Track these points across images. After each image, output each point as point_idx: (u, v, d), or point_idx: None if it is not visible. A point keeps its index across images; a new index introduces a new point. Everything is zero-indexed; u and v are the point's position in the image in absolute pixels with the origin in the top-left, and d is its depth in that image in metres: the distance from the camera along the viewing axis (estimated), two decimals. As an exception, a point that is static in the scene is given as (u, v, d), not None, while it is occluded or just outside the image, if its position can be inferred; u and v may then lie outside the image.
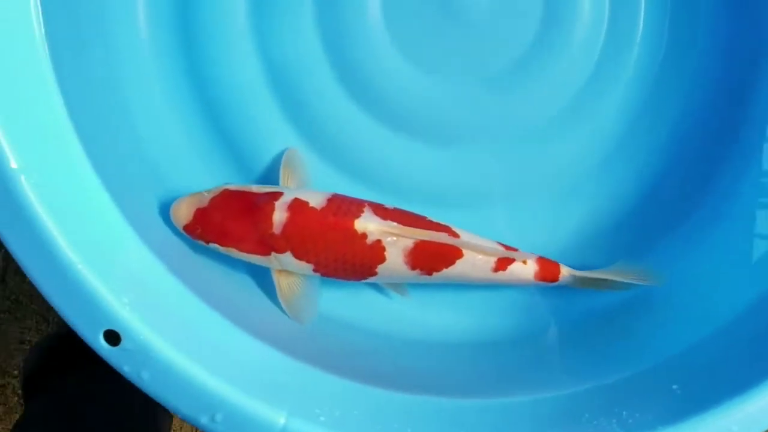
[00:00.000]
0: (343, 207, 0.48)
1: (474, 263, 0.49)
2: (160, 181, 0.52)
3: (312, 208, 0.48)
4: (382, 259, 0.48)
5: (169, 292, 0.43)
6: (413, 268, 0.49)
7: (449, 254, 0.48)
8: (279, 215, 0.48)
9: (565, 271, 0.51)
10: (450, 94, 0.54)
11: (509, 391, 0.44)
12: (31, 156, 0.37)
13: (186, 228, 0.49)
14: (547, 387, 0.44)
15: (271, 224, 0.48)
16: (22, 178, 0.37)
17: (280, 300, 0.50)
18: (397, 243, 0.48)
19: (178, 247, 0.49)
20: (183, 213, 0.49)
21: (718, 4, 0.54)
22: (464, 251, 0.48)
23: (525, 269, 0.50)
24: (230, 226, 0.48)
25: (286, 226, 0.48)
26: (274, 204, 0.48)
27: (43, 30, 0.40)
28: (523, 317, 0.53)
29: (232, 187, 0.50)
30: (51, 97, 0.40)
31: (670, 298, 0.51)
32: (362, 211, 0.48)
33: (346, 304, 0.53)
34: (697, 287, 0.51)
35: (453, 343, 0.52)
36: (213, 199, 0.49)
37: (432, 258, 0.49)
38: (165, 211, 0.50)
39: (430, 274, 0.49)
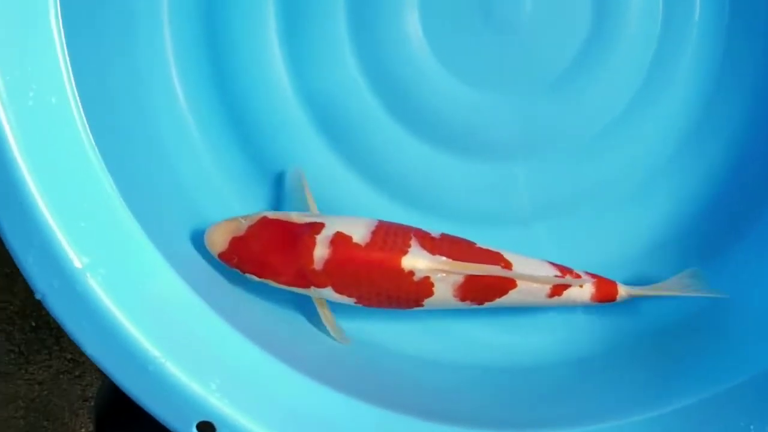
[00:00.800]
0: (389, 241, 0.46)
1: (528, 291, 0.47)
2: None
3: (356, 244, 0.46)
4: (430, 294, 0.47)
5: (248, 361, 0.41)
6: (463, 300, 0.47)
7: (502, 285, 0.47)
8: (320, 251, 0.46)
9: (623, 291, 0.49)
10: (494, 108, 0.52)
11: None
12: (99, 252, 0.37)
13: (221, 256, 0.47)
14: (606, 416, 0.42)
15: (312, 260, 0.46)
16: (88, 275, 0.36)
17: (325, 323, 0.48)
18: (446, 279, 0.46)
19: (248, 311, 0.47)
20: (219, 240, 0.47)
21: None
22: (518, 281, 0.47)
23: (581, 292, 0.48)
24: (268, 258, 0.46)
25: (328, 262, 0.46)
26: (315, 238, 0.46)
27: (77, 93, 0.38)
28: (571, 335, 0.51)
29: (271, 215, 0.48)
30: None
31: (739, 314, 0.49)
32: (409, 246, 0.46)
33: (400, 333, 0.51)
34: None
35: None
36: (250, 228, 0.47)
37: (484, 290, 0.47)
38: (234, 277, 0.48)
39: (481, 303, 0.48)
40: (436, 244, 0.47)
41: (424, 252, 0.46)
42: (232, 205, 0.51)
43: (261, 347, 0.41)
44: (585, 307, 0.51)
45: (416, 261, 0.46)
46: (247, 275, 0.47)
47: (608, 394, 0.46)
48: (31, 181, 0.36)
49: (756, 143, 0.52)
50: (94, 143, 0.38)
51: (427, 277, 0.46)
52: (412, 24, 0.52)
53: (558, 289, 0.48)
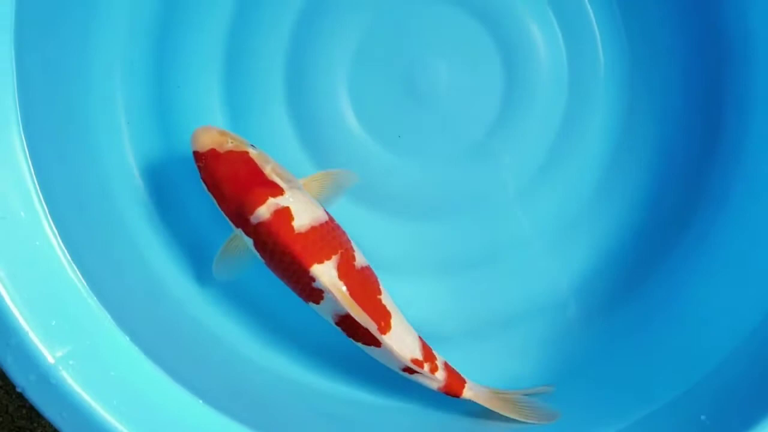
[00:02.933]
0: (317, 245, 0.50)
1: (387, 358, 0.51)
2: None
3: (291, 227, 0.49)
4: (318, 302, 0.50)
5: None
6: (338, 325, 0.51)
7: (370, 338, 0.50)
8: (263, 211, 0.49)
9: (468, 392, 0.52)
10: (416, 171, 0.57)
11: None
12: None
13: (194, 153, 0.51)
14: None
15: (252, 212, 0.50)
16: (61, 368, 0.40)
17: (221, 251, 0.52)
18: (334, 303, 0.49)
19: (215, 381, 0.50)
20: (201, 142, 0.51)
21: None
22: (382, 344, 0.50)
23: (431, 380, 0.51)
24: (224, 184, 0.50)
25: (261, 224, 0.50)
26: (267, 198, 0.50)
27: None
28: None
29: (253, 153, 0.51)
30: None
31: (673, 331, 0.53)
32: (328, 258, 0.50)
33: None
34: (699, 316, 0.53)
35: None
36: (230, 151, 0.51)
37: (355, 331, 0.51)
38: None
39: (351, 338, 0.51)
40: (349, 273, 0.50)
41: (334, 273, 0.49)
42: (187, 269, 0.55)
43: (227, 415, 0.44)
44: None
45: (321, 274, 0.49)
46: (203, 184, 0.51)
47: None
48: (3, 287, 0.40)
49: (663, 182, 0.57)
50: (63, 247, 0.43)
51: (322, 291, 0.49)
52: (343, 97, 0.57)
53: (409, 370, 0.51)
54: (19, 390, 0.41)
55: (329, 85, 0.57)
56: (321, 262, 0.49)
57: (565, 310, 0.56)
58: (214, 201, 0.51)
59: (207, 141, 0.51)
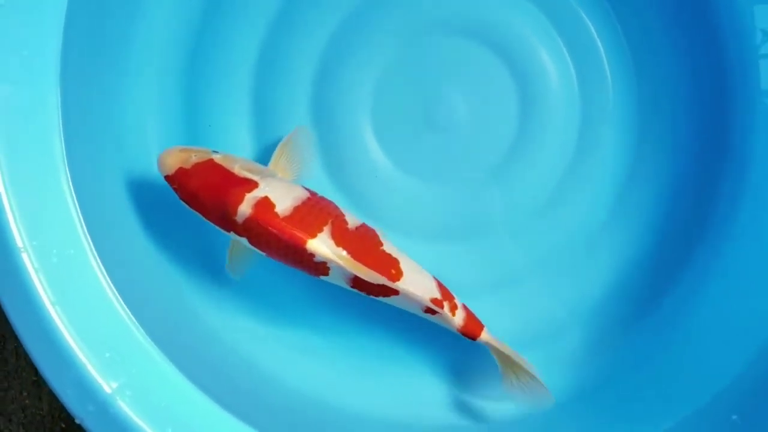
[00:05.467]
0: (305, 220, 0.50)
1: (407, 303, 0.52)
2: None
3: (275, 213, 0.50)
4: (326, 274, 0.51)
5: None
6: (353, 287, 0.52)
7: (386, 290, 0.51)
8: (244, 208, 0.50)
9: (485, 336, 0.53)
10: (438, 196, 0.59)
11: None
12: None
13: (166, 178, 0.52)
14: None
15: (235, 212, 0.50)
16: (118, 398, 0.43)
17: (228, 255, 0.54)
18: (341, 269, 0.50)
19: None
20: (168, 164, 0.52)
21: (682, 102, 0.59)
22: (400, 291, 0.51)
23: (452, 320, 0.53)
24: (202, 196, 0.51)
25: (247, 220, 0.50)
26: (244, 195, 0.50)
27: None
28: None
29: (218, 158, 0.52)
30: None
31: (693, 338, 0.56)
32: (320, 230, 0.50)
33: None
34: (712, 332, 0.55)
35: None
36: (196, 164, 0.52)
37: (370, 288, 0.52)
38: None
39: (370, 295, 0.52)
40: (345, 237, 0.51)
41: (330, 242, 0.50)
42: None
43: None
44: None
45: (318, 248, 0.50)
46: (182, 202, 0.52)
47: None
48: (63, 325, 0.43)
49: (677, 199, 0.59)
50: (110, 281, 0.45)
51: (325, 262, 0.51)
52: (366, 125, 0.59)
53: (431, 310, 0.52)
54: (77, 422, 0.43)
55: (352, 115, 0.59)
56: (314, 236, 0.50)
57: (587, 327, 0.58)
58: (200, 216, 0.52)
59: (172, 162, 0.52)
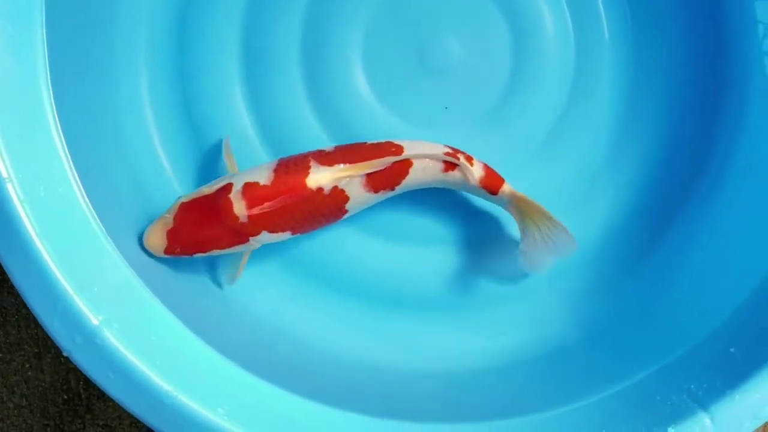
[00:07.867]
0: (291, 171, 0.51)
1: (425, 168, 0.52)
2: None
3: (263, 186, 0.50)
4: (347, 199, 0.51)
5: (249, 388, 0.47)
6: (376, 191, 0.52)
7: (401, 168, 0.52)
8: (238, 206, 0.50)
9: (506, 188, 0.53)
10: (433, 140, 0.57)
11: (573, 397, 0.47)
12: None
13: (166, 252, 0.51)
14: (609, 383, 0.48)
15: (236, 217, 0.50)
16: (105, 330, 0.42)
17: (230, 269, 0.54)
18: (351, 182, 0.51)
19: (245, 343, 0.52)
20: (157, 242, 0.51)
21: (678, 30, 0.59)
22: (413, 160, 0.51)
23: (471, 171, 0.53)
24: (202, 234, 0.51)
25: (248, 210, 0.50)
26: (229, 198, 0.50)
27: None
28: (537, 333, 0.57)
29: (185, 198, 0.52)
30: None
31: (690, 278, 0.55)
32: (309, 167, 0.50)
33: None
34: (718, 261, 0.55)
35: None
36: (176, 217, 0.51)
37: (388, 178, 0.52)
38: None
39: (393, 189, 0.52)
40: (331, 157, 0.51)
41: (324, 167, 0.50)
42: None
43: (259, 376, 0.47)
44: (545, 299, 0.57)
45: (319, 177, 0.50)
46: (196, 256, 0.52)
47: (578, 377, 0.52)
48: (50, 259, 0.43)
49: (673, 139, 0.59)
50: (97, 218, 0.45)
51: (335, 187, 0.50)
52: (357, 69, 0.58)
53: (451, 166, 0.52)
54: (65, 354, 0.43)
55: (344, 59, 0.58)
56: (306, 176, 0.50)
57: (591, 266, 0.58)
58: (218, 252, 0.52)
59: (157, 236, 0.51)
